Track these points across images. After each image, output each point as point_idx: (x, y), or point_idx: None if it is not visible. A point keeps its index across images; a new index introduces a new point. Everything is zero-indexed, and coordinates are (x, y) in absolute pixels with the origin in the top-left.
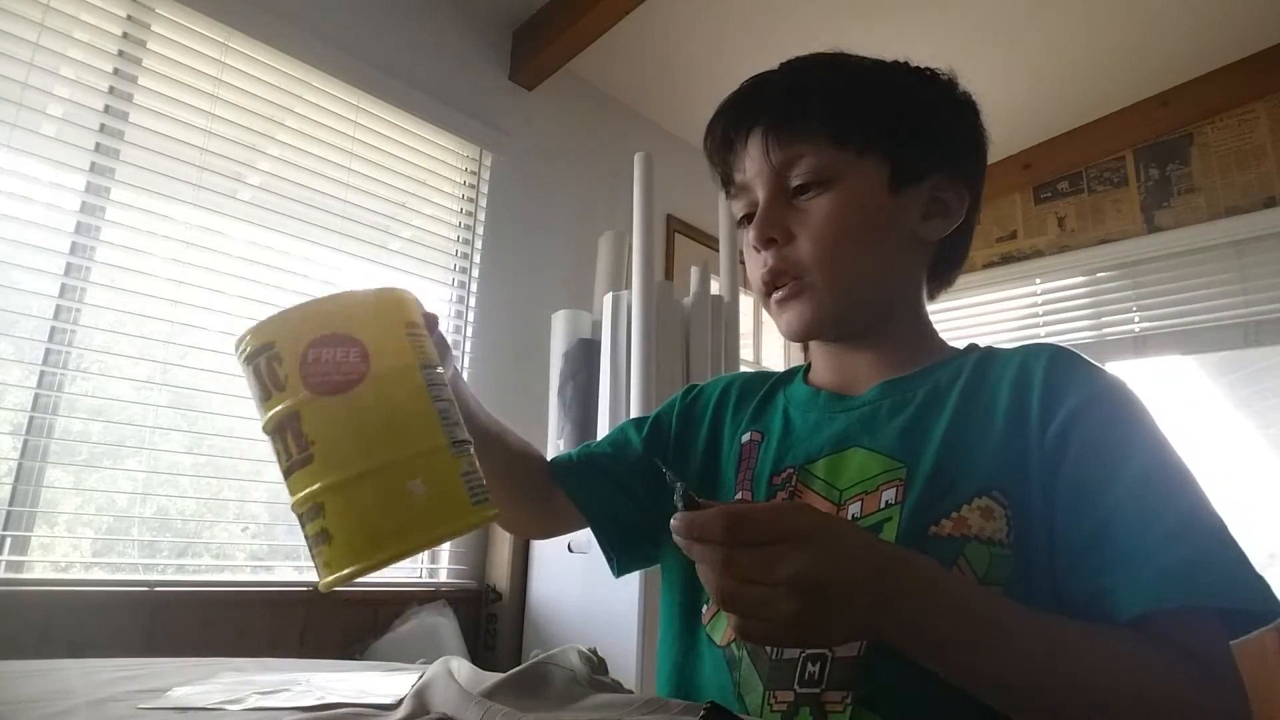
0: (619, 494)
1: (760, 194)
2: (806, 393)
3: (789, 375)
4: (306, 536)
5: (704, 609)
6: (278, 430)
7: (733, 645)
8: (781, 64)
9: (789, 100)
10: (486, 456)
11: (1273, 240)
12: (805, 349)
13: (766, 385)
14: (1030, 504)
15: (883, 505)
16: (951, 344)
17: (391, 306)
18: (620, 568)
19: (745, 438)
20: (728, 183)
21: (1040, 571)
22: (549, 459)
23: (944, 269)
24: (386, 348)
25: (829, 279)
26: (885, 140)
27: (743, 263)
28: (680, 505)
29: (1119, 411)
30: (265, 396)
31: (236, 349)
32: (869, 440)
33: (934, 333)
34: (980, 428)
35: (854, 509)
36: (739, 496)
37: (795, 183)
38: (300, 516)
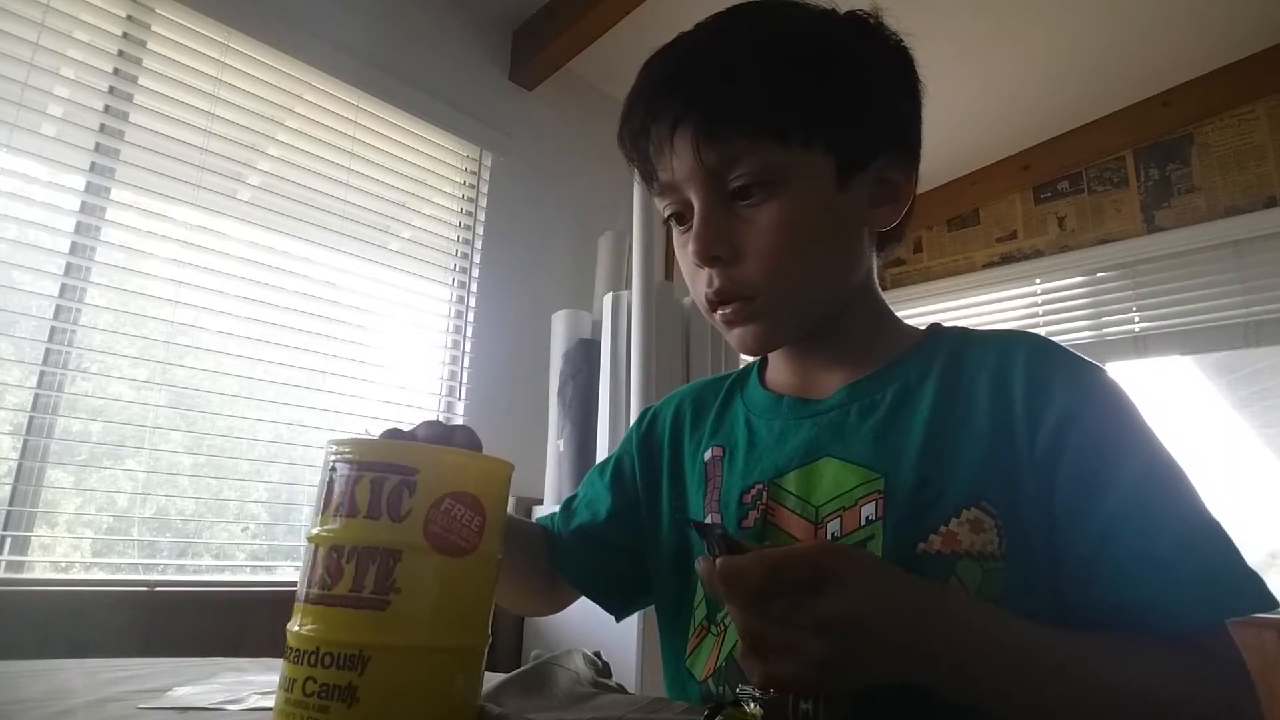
0: (607, 557)
1: (694, 199)
2: (767, 399)
3: (743, 377)
4: (305, 678)
5: (687, 642)
6: (356, 555)
7: (709, 680)
8: (702, 27)
9: (718, 91)
10: (521, 560)
11: (1273, 240)
12: None
13: (722, 392)
14: (1022, 512)
15: (863, 522)
16: (911, 323)
17: (507, 485)
18: (620, 617)
19: (707, 455)
20: (650, 179)
21: (1040, 581)
22: (545, 537)
23: (888, 249)
24: (494, 528)
25: (781, 295)
26: (830, 129)
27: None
28: (719, 550)
29: (1110, 409)
30: (366, 515)
31: (344, 447)
32: (840, 449)
33: (891, 316)
34: (960, 431)
35: (833, 527)
36: (709, 519)
37: (735, 184)
38: (315, 654)
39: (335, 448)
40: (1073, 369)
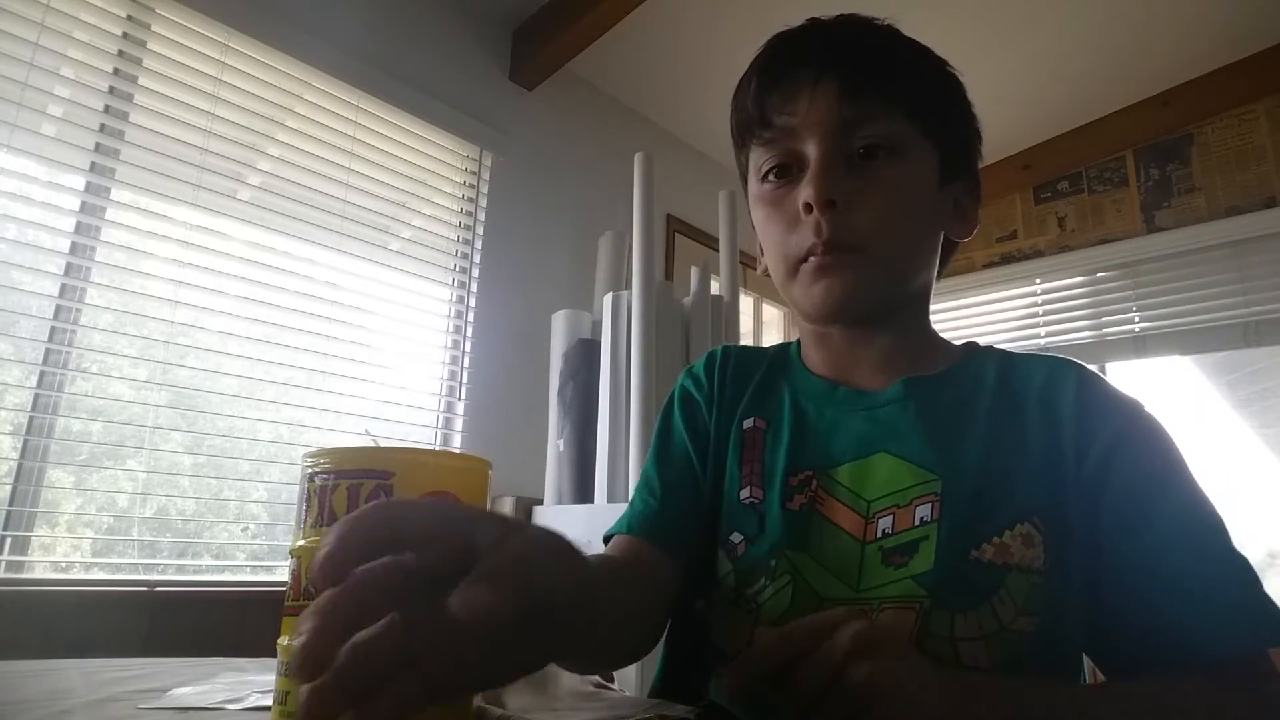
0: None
1: (813, 148)
2: (819, 384)
3: (781, 356)
4: (291, 689)
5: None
6: None
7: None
8: (840, 15)
9: (877, 55)
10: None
11: (1273, 240)
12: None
13: (763, 365)
14: (1066, 534)
15: (917, 522)
16: (951, 342)
17: (487, 483)
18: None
19: (748, 423)
20: (763, 125)
21: (1076, 600)
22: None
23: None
24: None
25: (887, 254)
26: (944, 129)
27: (744, 262)
28: None
29: (1155, 442)
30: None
31: (314, 459)
32: (896, 446)
33: (935, 331)
34: (1015, 449)
35: (884, 523)
36: (745, 492)
37: (862, 142)
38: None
39: (310, 459)
40: (1119, 400)
